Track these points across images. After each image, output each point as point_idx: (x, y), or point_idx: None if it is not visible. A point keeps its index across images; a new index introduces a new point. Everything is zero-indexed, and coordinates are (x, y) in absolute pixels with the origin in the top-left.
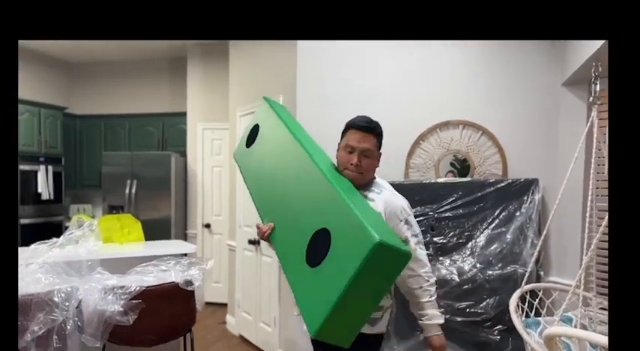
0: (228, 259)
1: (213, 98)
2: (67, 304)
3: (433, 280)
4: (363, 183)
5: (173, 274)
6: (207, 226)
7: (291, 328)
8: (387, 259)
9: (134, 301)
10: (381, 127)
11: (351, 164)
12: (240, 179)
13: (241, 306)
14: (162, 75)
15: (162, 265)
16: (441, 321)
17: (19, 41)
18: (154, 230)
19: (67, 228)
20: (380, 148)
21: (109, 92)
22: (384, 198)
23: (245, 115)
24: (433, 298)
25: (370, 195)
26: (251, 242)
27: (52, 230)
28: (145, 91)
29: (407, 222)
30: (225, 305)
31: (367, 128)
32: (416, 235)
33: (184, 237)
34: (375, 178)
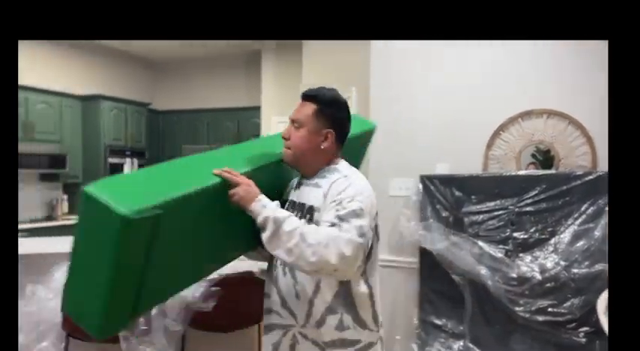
0: None
1: (287, 92)
2: None
3: (312, 258)
4: (305, 167)
5: (250, 263)
6: None
7: None
8: (99, 216)
9: (213, 289)
10: (327, 97)
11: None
12: None
13: None
14: (238, 69)
15: None
16: (264, 214)
17: (106, 42)
18: None
19: None
20: (330, 125)
21: (189, 88)
22: (332, 180)
23: None
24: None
25: (319, 181)
26: None
27: None
28: (222, 85)
29: (339, 203)
30: None
31: (304, 95)
32: (341, 218)
33: None
34: (335, 163)
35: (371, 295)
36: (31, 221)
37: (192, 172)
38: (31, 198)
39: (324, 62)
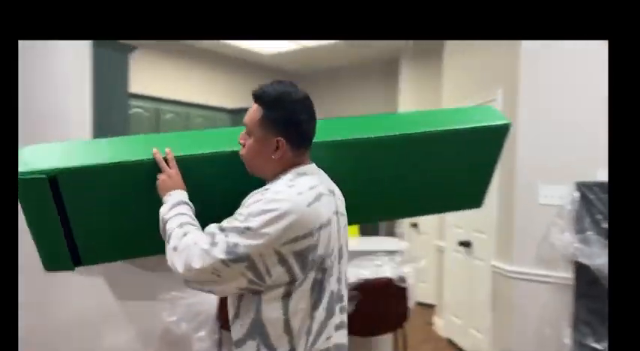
0: (435, 260)
1: (425, 97)
2: None
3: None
4: (261, 176)
5: (388, 270)
6: (414, 225)
7: (508, 339)
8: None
9: (352, 292)
10: (272, 97)
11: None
12: None
13: (450, 309)
14: (374, 79)
15: (376, 260)
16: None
17: (252, 57)
18: (363, 227)
19: None
20: (279, 132)
21: (329, 98)
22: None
23: None
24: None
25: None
26: (462, 244)
27: None
28: (359, 95)
29: (234, 216)
30: (431, 306)
31: (252, 96)
32: (222, 229)
33: (392, 235)
34: (285, 173)
35: (287, 325)
36: None
37: (138, 147)
38: None
39: (467, 65)
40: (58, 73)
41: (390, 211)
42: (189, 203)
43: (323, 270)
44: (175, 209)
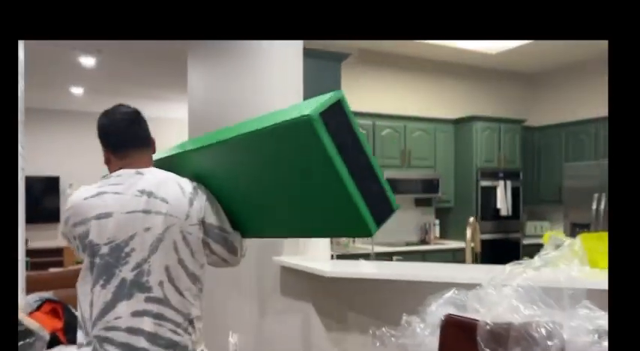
0: None
1: None
2: (548, 343)
3: None
4: None
5: None
6: None
7: None
8: None
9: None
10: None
11: None
12: None
13: None
14: None
15: None
16: None
17: (480, 60)
18: None
19: (524, 246)
20: (100, 140)
21: (570, 98)
22: None
23: None
24: None
25: None
26: None
27: (509, 247)
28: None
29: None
30: None
31: None
32: None
33: None
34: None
35: (79, 300)
36: (407, 244)
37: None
38: (407, 222)
39: None
40: (268, 83)
41: (271, 228)
42: None
43: (101, 255)
44: None
